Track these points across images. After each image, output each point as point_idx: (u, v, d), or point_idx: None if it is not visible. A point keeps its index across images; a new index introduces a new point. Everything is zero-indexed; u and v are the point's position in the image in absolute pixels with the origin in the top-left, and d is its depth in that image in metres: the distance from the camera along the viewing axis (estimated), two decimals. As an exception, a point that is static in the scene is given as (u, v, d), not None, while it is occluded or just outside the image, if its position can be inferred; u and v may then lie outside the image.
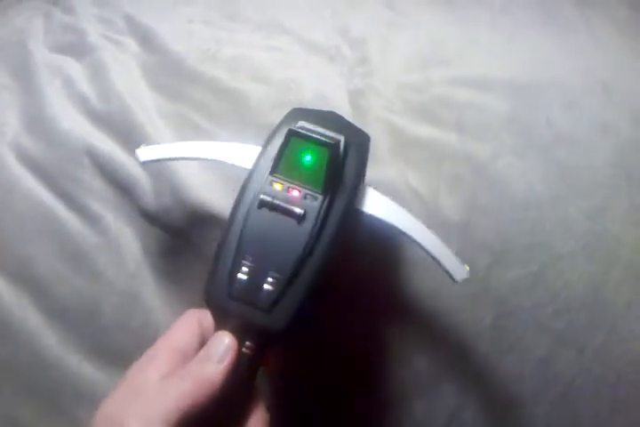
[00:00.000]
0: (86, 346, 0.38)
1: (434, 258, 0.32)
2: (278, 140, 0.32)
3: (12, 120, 0.42)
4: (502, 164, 0.41)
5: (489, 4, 0.55)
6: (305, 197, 0.32)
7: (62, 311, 0.38)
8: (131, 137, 0.41)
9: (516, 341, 0.39)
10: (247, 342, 0.31)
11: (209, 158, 0.34)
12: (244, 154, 0.33)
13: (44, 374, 0.37)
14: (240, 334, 0.31)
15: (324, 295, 0.33)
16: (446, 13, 0.54)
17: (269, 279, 0.31)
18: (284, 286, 0.31)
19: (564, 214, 0.41)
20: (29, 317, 0.38)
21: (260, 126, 0.41)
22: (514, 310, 0.39)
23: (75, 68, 0.44)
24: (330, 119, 0.34)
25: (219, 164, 0.34)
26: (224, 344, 0.30)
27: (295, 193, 0.31)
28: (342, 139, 0.32)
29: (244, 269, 0.31)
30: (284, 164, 0.32)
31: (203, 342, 0.31)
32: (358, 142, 0.33)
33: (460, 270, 0.32)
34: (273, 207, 0.31)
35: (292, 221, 0.31)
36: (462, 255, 0.39)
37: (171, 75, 0.45)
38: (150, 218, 0.39)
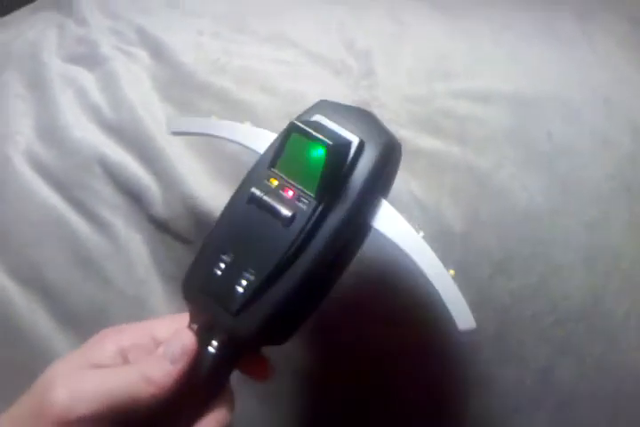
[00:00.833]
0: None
1: (443, 300, 0.29)
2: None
3: (26, 129, 0.43)
4: (504, 175, 0.42)
5: (491, 19, 0.57)
6: (298, 199, 0.28)
7: (72, 316, 0.39)
8: (141, 147, 0.42)
9: (518, 349, 0.40)
10: (214, 342, 0.29)
11: (233, 140, 0.33)
12: (269, 142, 0.31)
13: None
14: (207, 331, 0.29)
15: (312, 313, 0.31)
16: (450, 27, 0.55)
17: (243, 281, 0.28)
18: (255, 291, 0.28)
19: (565, 226, 0.42)
20: (40, 321, 0.38)
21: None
22: (515, 320, 0.40)
23: (87, 79, 0.45)
24: (356, 118, 0.30)
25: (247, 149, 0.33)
26: (181, 345, 0.29)
27: (289, 193, 0.29)
28: (355, 141, 0.29)
29: (221, 264, 0.29)
30: (284, 158, 0.29)
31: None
32: (383, 149, 0.29)
33: (466, 320, 0.29)
34: (261, 204, 0.29)
35: (278, 223, 0.28)
36: (464, 265, 0.40)
37: (180, 86, 0.46)
38: (160, 226, 0.40)
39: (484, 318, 0.40)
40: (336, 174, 0.28)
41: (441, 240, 0.40)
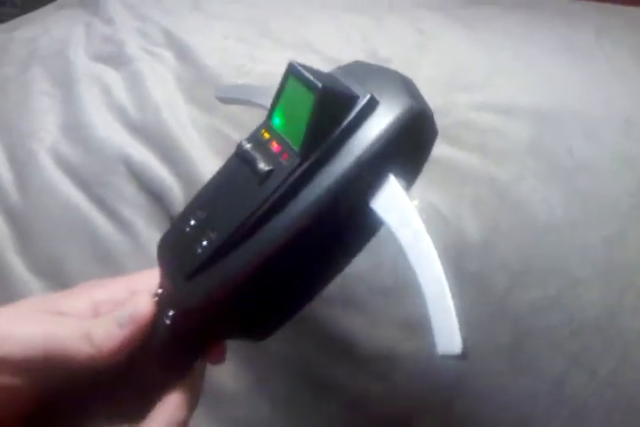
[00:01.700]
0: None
1: (429, 313, 0.22)
2: None
3: (51, 126, 0.43)
4: (525, 187, 0.42)
5: (511, 32, 0.57)
6: (282, 155, 0.24)
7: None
8: (165, 148, 0.42)
9: (532, 361, 0.40)
10: (170, 311, 0.26)
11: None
12: None
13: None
14: (166, 298, 0.26)
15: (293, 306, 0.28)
16: (470, 39, 0.56)
17: (204, 241, 0.25)
18: (213, 254, 0.24)
19: (583, 240, 0.42)
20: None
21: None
22: (531, 331, 0.40)
23: (113, 78, 0.46)
24: (384, 78, 0.26)
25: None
26: (132, 309, 0.26)
27: (275, 146, 0.25)
28: (365, 97, 0.24)
29: (192, 222, 0.26)
30: (279, 107, 0.25)
31: None
32: (403, 114, 0.24)
33: (450, 343, 0.22)
34: (243, 157, 0.25)
35: (255, 179, 0.24)
36: (482, 275, 0.41)
37: (205, 88, 0.46)
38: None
39: (501, 328, 0.40)
40: (328, 129, 0.23)
41: (460, 251, 0.41)
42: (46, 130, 0.43)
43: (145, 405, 0.26)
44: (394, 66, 0.50)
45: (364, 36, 0.54)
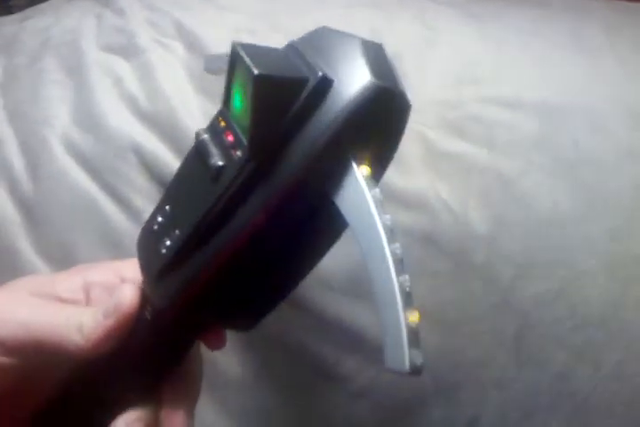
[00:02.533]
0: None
1: (382, 327, 0.20)
2: None
3: (63, 114, 0.44)
4: (530, 181, 0.43)
5: (520, 27, 0.57)
6: (234, 147, 0.22)
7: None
8: (176, 138, 0.42)
9: (536, 353, 0.40)
10: (149, 307, 0.26)
11: None
12: None
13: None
14: (145, 294, 0.26)
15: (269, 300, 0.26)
16: (479, 33, 0.56)
17: (167, 241, 0.24)
18: (176, 254, 0.23)
19: (587, 233, 0.42)
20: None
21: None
22: (535, 324, 0.40)
23: (124, 68, 0.46)
24: (345, 50, 0.22)
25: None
26: (116, 300, 0.26)
27: (229, 137, 0.22)
28: (314, 77, 0.21)
29: (159, 219, 0.25)
30: (231, 94, 0.23)
31: None
32: (364, 94, 0.21)
33: (397, 360, 0.19)
34: (199, 148, 0.23)
35: (209, 175, 0.22)
36: (487, 267, 0.41)
37: (215, 78, 0.46)
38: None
39: (505, 320, 0.40)
40: (274, 119, 0.21)
41: (465, 243, 0.41)
42: (58, 118, 0.43)
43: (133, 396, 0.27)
44: (403, 60, 0.51)
45: (372, 30, 0.54)
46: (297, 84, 0.21)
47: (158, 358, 0.27)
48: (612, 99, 0.50)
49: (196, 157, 0.24)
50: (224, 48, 0.48)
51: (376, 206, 0.20)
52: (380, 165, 0.23)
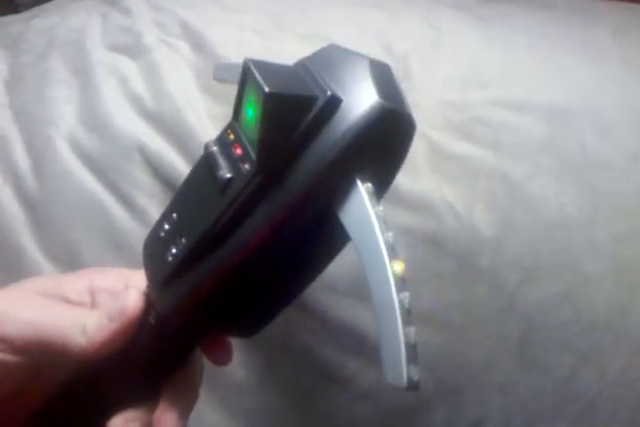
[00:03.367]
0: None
1: (381, 342, 0.21)
2: None
3: (68, 114, 0.43)
4: (537, 184, 0.42)
5: (527, 30, 0.57)
6: (242, 160, 0.22)
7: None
8: (181, 137, 0.42)
9: (541, 357, 0.40)
10: (153, 312, 0.26)
11: None
12: None
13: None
14: (149, 296, 0.26)
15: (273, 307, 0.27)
16: (486, 35, 0.55)
17: (174, 249, 0.24)
18: (182, 263, 0.24)
19: (594, 237, 0.42)
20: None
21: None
22: (540, 327, 0.40)
23: (130, 68, 0.46)
24: (354, 69, 0.23)
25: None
26: (121, 304, 0.26)
27: (238, 150, 0.23)
28: (323, 96, 0.21)
29: (166, 226, 0.25)
30: (242, 106, 0.23)
31: None
32: (371, 113, 0.21)
33: (397, 375, 0.20)
34: (208, 159, 0.24)
35: (217, 186, 0.23)
36: (493, 271, 0.41)
37: (220, 80, 0.46)
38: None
39: (510, 324, 0.40)
40: (283, 136, 0.21)
41: (471, 246, 0.41)
42: (63, 117, 0.43)
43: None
44: (411, 61, 0.51)
45: (379, 31, 0.54)
46: (307, 102, 0.21)
47: (160, 362, 0.28)
48: (619, 102, 0.49)
49: (205, 168, 0.24)
50: (230, 48, 0.48)
51: (379, 224, 0.20)
52: (383, 182, 0.24)
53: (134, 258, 0.40)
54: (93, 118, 0.43)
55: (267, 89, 0.21)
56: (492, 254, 0.40)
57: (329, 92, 0.21)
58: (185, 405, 0.28)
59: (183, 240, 0.24)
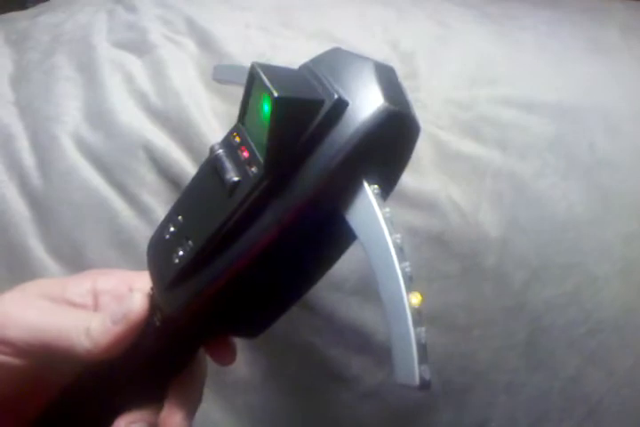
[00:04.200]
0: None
1: (391, 342, 0.21)
2: None
3: (74, 111, 0.43)
4: (545, 183, 0.42)
5: (536, 28, 0.57)
6: (249, 163, 0.23)
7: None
8: (186, 135, 0.42)
9: (548, 357, 0.40)
10: (158, 314, 0.27)
11: None
12: None
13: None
14: (154, 298, 0.26)
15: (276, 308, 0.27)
16: (494, 33, 0.55)
17: (180, 251, 0.24)
18: (189, 265, 0.24)
19: (602, 237, 0.42)
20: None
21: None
22: (547, 327, 0.40)
23: (135, 65, 0.46)
24: (359, 73, 0.23)
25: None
26: (126, 306, 0.26)
27: (244, 153, 0.23)
28: (330, 99, 0.22)
29: (171, 228, 0.25)
30: (249, 109, 0.24)
31: None
32: (378, 116, 0.21)
33: (408, 375, 0.20)
34: (214, 162, 0.24)
35: (224, 189, 0.23)
36: (500, 270, 0.40)
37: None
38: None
39: (517, 324, 0.40)
40: (291, 139, 0.22)
41: (478, 245, 0.40)
42: (69, 114, 0.43)
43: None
44: (417, 59, 0.51)
45: (385, 28, 0.53)
46: (314, 105, 0.22)
47: (164, 363, 0.28)
48: (627, 100, 0.49)
49: (211, 170, 0.24)
50: (235, 45, 0.48)
51: (387, 225, 0.21)
52: (389, 183, 0.24)
53: (139, 256, 0.40)
54: (99, 115, 0.43)
55: (276, 93, 0.21)
56: (498, 254, 0.40)
57: (335, 96, 0.22)
58: (190, 406, 0.28)
59: (190, 242, 0.24)
